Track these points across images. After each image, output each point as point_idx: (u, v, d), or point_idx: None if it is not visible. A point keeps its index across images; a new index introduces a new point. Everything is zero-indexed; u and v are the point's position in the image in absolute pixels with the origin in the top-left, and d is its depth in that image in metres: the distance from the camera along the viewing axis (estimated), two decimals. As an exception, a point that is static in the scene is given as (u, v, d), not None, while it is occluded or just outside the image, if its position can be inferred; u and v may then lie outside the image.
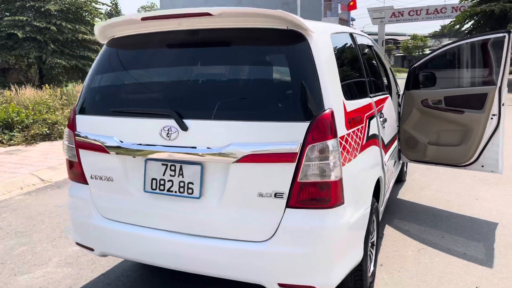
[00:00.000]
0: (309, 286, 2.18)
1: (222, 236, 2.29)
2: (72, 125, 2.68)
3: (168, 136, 2.30)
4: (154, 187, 2.41)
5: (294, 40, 2.22)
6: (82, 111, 2.67)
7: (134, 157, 2.45)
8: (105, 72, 2.72)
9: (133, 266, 3.45)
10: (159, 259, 2.47)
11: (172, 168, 2.36)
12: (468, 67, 4.52)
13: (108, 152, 2.48)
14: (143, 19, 2.41)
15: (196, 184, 2.30)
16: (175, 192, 2.36)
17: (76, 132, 2.64)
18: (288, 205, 2.15)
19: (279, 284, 2.22)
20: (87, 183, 2.67)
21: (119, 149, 2.45)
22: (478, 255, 3.57)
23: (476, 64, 4.46)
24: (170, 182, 2.37)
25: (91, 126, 2.59)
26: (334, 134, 2.10)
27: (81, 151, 2.64)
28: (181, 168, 2.34)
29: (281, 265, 2.20)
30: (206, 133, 2.25)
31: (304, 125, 2.08)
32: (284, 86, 2.22)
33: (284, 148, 2.09)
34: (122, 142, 2.44)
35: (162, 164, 2.38)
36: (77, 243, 2.83)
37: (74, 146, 2.67)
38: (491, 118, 4.21)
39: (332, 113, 2.11)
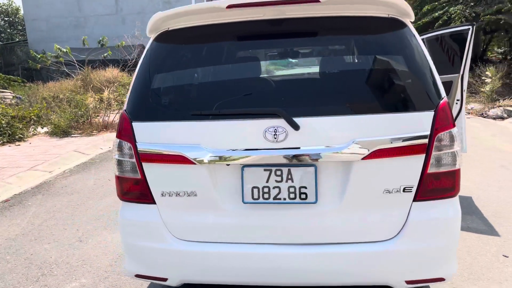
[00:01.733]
0: (438, 278, 2.16)
1: (342, 241, 2.13)
2: (126, 135, 2.22)
3: (275, 138, 2.05)
4: (256, 196, 2.13)
5: (398, 27, 2.15)
6: (140, 117, 2.22)
7: (228, 165, 2.13)
8: (168, 71, 2.31)
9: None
10: (265, 277, 2.20)
11: (278, 173, 2.11)
12: (437, 57, 4.94)
13: (192, 163, 2.11)
14: (230, 7, 2.10)
15: (311, 188, 2.09)
16: (284, 199, 2.12)
17: (137, 143, 2.20)
18: (415, 199, 2.09)
19: (407, 282, 2.15)
20: (153, 203, 2.25)
21: (207, 158, 2.10)
22: (480, 226, 3.93)
23: (444, 55, 4.89)
24: (277, 189, 2.12)
25: (161, 134, 2.17)
26: (453, 122, 2.09)
27: (146, 165, 2.20)
28: (289, 172, 2.10)
29: (409, 262, 2.13)
30: (320, 131, 2.06)
31: (430, 114, 2.03)
32: (402, 76, 2.13)
33: (414, 139, 2.02)
34: (212, 150, 2.10)
35: (265, 170, 2.11)
36: (138, 276, 2.37)
37: (135, 160, 2.21)
38: (456, 103, 4.67)
39: (447, 101, 2.10)
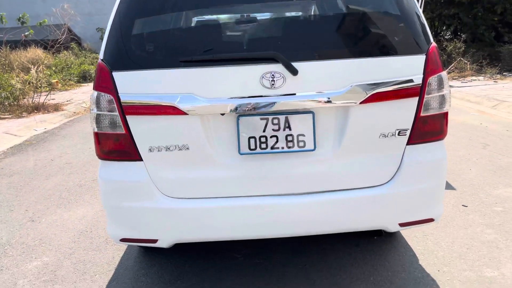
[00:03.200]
0: (428, 219, 2.23)
1: (341, 187, 2.12)
2: (105, 86, 2.02)
3: (273, 84, 1.97)
4: (253, 147, 2.04)
5: None
6: (122, 66, 2.02)
7: (223, 114, 2.01)
8: (152, 13, 2.11)
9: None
10: (264, 230, 2.14)
11: (275, 121, 2.04)
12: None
13: (184, 114, 1.97)
14: None
15: (309, 135, 2.05)
16: (282, 148, 2.05)
17: (119, 95, 2.00)
18: (408, 142, 2.13)
19: (400, 224, 2.20)
20: (140, 159, 2.08)
21: (201, 108, 1.97)
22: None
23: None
24: (274, 138, 2.04)
25: (147, 84, 2.00)
26: (442, 66, 2.14)
27: (131, 119, 2.02)
28: (286, 120, 2.04)
29: (403, 205, 2.18)
30: (319, 76, 2.01)
31: (421, 58, 2.07)
32: (396, 20, 2.13)
33: (408, 82, 2.04)
34: (205, 99, 1.97)
35: (261, 119, 2.03)
36: (124, 240, 2.20)
37: (117, 113, 2.02)
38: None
39: (435, 46, 2.15)
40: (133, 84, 2.00)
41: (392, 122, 2.08)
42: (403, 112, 2.09)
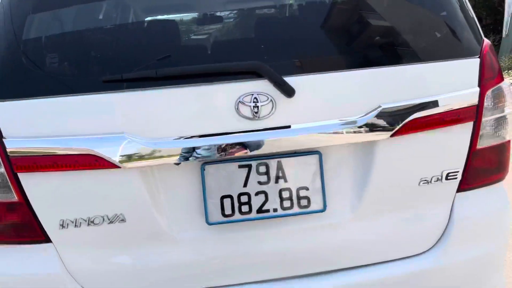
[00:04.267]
0: None
1: (366, 262, 1.40)
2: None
3: (256, 112, 1.23)
4: (228, 211, 1.29)
5: None
6: (7, 92, 1.23)
7: (178, 164, 1.26)
8: (55, 7, 1.32)
9: None
10: None
11: (262, 169, 1.29)
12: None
13: (113, 166, 1.20)
14: None
15: (315, 189, 1.31)
16: (275, 211, 1.31)
17: (5, 141, 1.21)
18: (459, 188, 1.43)
19: None
20: (46, 241, 1.29)
21: (142, 157, 1.21)
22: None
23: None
24: (262, 196, 1.30)
25: (49, 120, 1.21)
26: (501, 73, 1.46)
27: (26, 177, 1.23)
28: (279, 167, 1.30)
29: (453, 278, 1.48)
30: (327, 96, 1.29)
31: (475, 62, 1.38)
32: (433, 10, 1.44)
33: (460, 99, 1.35)
34: (146, 140, 1.21)
35: (240, 167, 1.29)
36: None
37: (3, 170, 1.22)
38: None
39: (490, 43, 1.46)
40: (26, 121, 1.22)
41: (438, 160, 1.39)
42: (453, 145, 1.39)
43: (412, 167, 1.36)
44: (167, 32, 1.43)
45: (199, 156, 1.23)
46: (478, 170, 1.44)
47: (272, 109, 1.24)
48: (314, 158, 1.30)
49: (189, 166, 1.27)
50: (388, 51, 1.36)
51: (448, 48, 1.39)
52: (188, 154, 1.22)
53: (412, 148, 1.35)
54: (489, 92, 1.38)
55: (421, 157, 1.36)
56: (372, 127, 1.28)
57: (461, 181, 1.42)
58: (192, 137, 1.23)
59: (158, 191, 1.27)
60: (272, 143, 1.25)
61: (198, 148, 1.22)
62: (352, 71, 1.30)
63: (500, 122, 1.43)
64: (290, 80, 1.23)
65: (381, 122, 1.28)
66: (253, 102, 1.23)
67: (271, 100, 1.24)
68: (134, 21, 1.45)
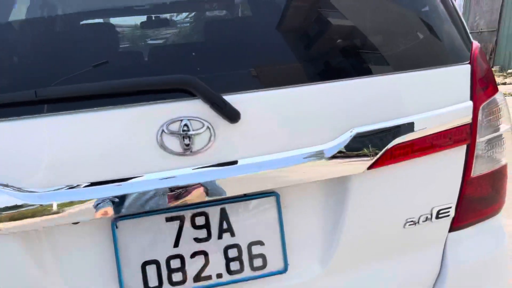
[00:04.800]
0: None
1: None
2: None
3: (187, 146, 0.88)
4: (154, 283, 0.93)
5: None
6: None
7: (76, 223, 0.88)
8: None
9: None
10: None
11: (199, 221, 0.95)
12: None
13: None
14: None
15: (273, 242, 0.98)
16: (219, 277, 0.97)
17: None
18: (451, 227, 1.15)
19: None
20: None
21: (20, 216, 0.83)
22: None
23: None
24: (200, 258, 0.95)
25: None
26: (495, 81, 1.19)
27: None
28: (224, 216, 0.96)
29: None
30: (283, 120, 0.96)
31: (465, 69, 1.10)
32: (413, 12, 1.14)
33: (451, 117, 1.06)
34: (27, 193, 0.83)
35: (169, 219, 0.93)
36: None
37: None
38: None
39: (479, 46, 1.19)
40: None
41: (427, 195, 1.09)
42: (444, 174, 1.10)
43: (395, 206, 1.06)
44: (59, 35, 1.05)
45: (107, 209, 0.86)
46: (473, 203, 1.16)
47: (210, 139, 0.90)
48: (269, 202, 0.97)
49: (94, 224, 0.90)
50: (361, 59, 1.05)
51: (432, 53, 1.10)
52: (90, 207, 0.85)
53: (395, 182, 1.04)
54: (483, 106, 1.11)
55: (406, 193, 1.06)
56: (344, 158, 0.96)
57: (453, 218, 1.13)
58: (95, 183, 0.86)
59: (50, 261, 0.89)
60: (212, 186, 0.90)
61: (105, 199, 0.86)
62: (315, 85, 0.98)
63: (497, 142, 1.15)
64: (233, 99, 0.90)
65: (355, 151, 0.97)
66: (183, 131, 0.88)
67: (208, 128, 0.89)
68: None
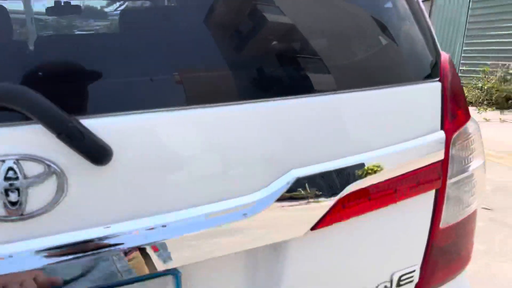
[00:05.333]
0: None
1: None
2: None
3: (14, 205, 0.51)
4: None
5: None
6: None
7: None
8: None
9: None
10: None
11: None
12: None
13: None
14: None
15: None
16: None
17: None
18: (414, 294, 0.88)
19: None
20: None
21: None
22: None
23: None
24: None
25: None
26: (466, 105, 0.94)
27: None
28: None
29: None
30: (182, 159, 0.61)
31: (435, 88, 0.83)
32: (368, 16, 0.84)
33: (421, 152, 0.79)
34: None
35: None
36: None
37: None
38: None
39: (449, 56, 0.94)
40: None
41: (386, 258, 0.81)
42: (407, 229, 0.83)
43: (346, 275, 0.76)
44: None
45: None
46: (441, 261, 0.90)
47: (57, 193, 0.53)
48: (165, 285, 0.63)
49: None
50: (298, 74, 0.73)
51: (394, 67, 0.82)
52: None
53: (347, 244, 0.75)
54: (454, 138, 0.85)
55: (362, 257, 0.77)
56: (278, 216, 0.64)
57: (417, 284, 0.86)
58: None
59: None
60: (56, 272, 0.54)
61: None
62: (234, 106, 0.64)
63: (468, 183, 0.90)
64: (105, 123, 0.54)
65: (295, 204, 0.65)
66: (6, 179, 0.51)
67: (54, 173, 0.53)
68: None
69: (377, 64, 0.81)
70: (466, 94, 6.75)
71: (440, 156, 0.80)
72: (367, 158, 0.71)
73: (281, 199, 0.63)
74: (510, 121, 5.77)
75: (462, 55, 9.42)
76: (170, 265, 0.60)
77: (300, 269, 0.70)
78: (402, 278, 0.82)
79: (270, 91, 0.67)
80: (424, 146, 0.78)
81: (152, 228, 0.57)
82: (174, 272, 0.63)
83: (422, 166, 0.78)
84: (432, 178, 0.80)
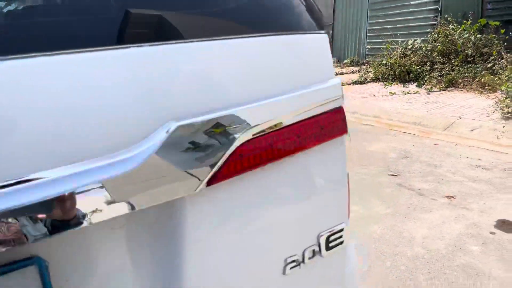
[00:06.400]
0: None
1: None
2: None
3: None
4: None
5: None
6: None
7: None
8: None
9: None
10: None
11: None
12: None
13: None
14: None
15: None
16: None
17: None
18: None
19: None
20: None
21: None
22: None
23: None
24: None
25: None
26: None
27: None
28: None
29: None
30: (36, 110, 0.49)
31: (325, 39, 0.79)
32: None
33: (322, 96, 0.73)
34: None
35: None
36: None
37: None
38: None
39: None
40: None
41: (304, 219, 0.75)
42: (324, 185, 0.77)
43: (262, 242, 0.69)
44: None
45: None
46: None
47: None
48: (27, 277, 0.50)
49: None
50: (171, 17, 0.63)
51: (287, 14, 0.75)
52: None
53: (257, 203, 0.67)
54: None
55: (277, 219, 0.70)
56: (161, 171, 0.54)
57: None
58: None
59: None
60: None
61: None
62: (75, 55, 0.52)
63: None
64: None
65: (180, 156, 0.56)
66: None
67: None
68: None
69: (277, 11, 0.74)
70: (373, 71, 7.23)
71: (340, 102, 0.75)
72: (259, 105, 0.64)
73: (162, 150, 0.53)
74: (412, 93, 6.19)
75: (368, 34, 9.98)
76: (25, 252, 0.47)
77: (201, 237, 0.61)
78: (331, 239, 0.77)
79: (136, 36, 0.56)
80: (324, 91, 0.73)
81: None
82: (36, 261, 0.50)
83: (323, 111, 0.72)
84: (337, 123, 0.75)
